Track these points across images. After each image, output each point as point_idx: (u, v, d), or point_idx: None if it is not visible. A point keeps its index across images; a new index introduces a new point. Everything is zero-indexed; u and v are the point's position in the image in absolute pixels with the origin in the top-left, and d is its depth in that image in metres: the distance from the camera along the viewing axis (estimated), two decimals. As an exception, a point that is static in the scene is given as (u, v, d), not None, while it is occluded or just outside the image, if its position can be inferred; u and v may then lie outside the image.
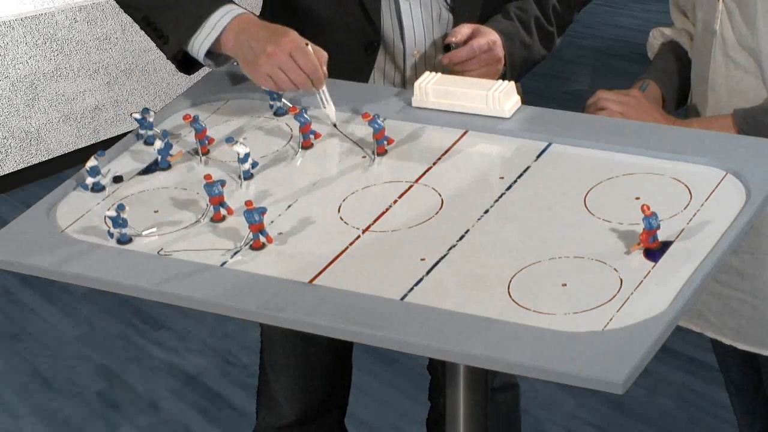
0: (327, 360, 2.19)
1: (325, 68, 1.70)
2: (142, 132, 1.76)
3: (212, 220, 1.55)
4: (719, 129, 1.75)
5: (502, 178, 1.57)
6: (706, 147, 1.56)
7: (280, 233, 1.51)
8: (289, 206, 1.57)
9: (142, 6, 1.81)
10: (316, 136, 1.69)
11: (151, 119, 1.76)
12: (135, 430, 3.09)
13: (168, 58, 1.83)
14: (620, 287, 1.33)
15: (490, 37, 1.84)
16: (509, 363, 1.27)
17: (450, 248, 1.44)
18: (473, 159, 1.63)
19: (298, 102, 1.76)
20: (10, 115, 4.54)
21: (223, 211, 1.55)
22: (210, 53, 1.78)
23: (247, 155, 1.62)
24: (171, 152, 1.69)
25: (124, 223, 1.52)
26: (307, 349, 2.13)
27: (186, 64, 1.85)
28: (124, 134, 1.78)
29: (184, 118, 1.75)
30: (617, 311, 1.30)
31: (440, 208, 1.52)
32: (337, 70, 1.76)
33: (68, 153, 4.75)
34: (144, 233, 1.54)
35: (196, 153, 1.70)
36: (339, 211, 1.54)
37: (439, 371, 2.15)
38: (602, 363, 1.23)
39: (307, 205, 1.57)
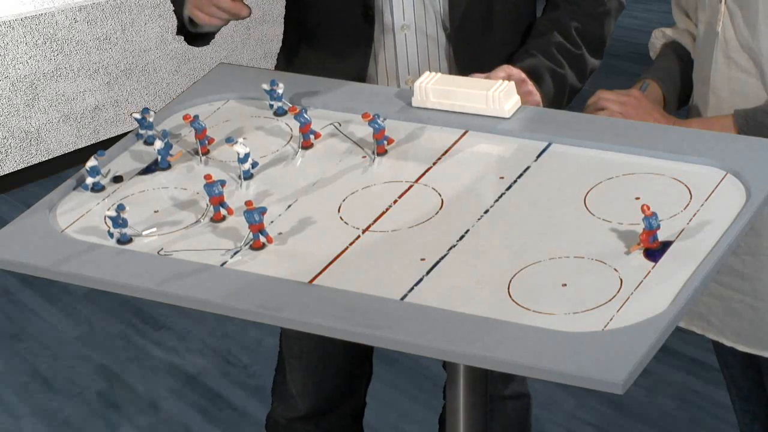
0: (343, 358, 2.19)
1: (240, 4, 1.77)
2: (142, 132, 1.76)
3: (212, 220, 1.55)
4: (720, 129, 1.75)
5: (502, 178, 1.56)
6: (706, 147, 1.55)
7: (280, 233, 1.51)
8: (289, 206, 1.57)
9: None
10: (316, 136, 1.69)
11: (151, 119, 1.75)
12: (135, 430, 3.09)
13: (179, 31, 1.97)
14: (620, 287, 1.33)
15: (508, 71, 1.80)
16: (509, 363, 1.27)
17: (450, 248, 1.44)
18: (473, 159, 1.62)
19: (298, 102, 1.76)
20: (10, 115, 4.54)
21: (223, 211, 1.55)
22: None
23: (247, 155, 1.62)
24: (171, 152, 1.69)
25: (124, 223, 1.52)
26: (323, 346, 2.13)
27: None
28: (124, 134, 1.78)
29: (184, 118, 1.75)
30: (617, 311, 1.30)
31: (440, 208, 1.52)
32: (339, 38, 1.89)
33: (68, 153, 4.76)
34: (144, 233, 1.54)
35: (196, 153, 1.70)
36: (339, 211, 1.54)
37: None
38: (602, 363, 1.23)
39: (307, 205, 1.57)
